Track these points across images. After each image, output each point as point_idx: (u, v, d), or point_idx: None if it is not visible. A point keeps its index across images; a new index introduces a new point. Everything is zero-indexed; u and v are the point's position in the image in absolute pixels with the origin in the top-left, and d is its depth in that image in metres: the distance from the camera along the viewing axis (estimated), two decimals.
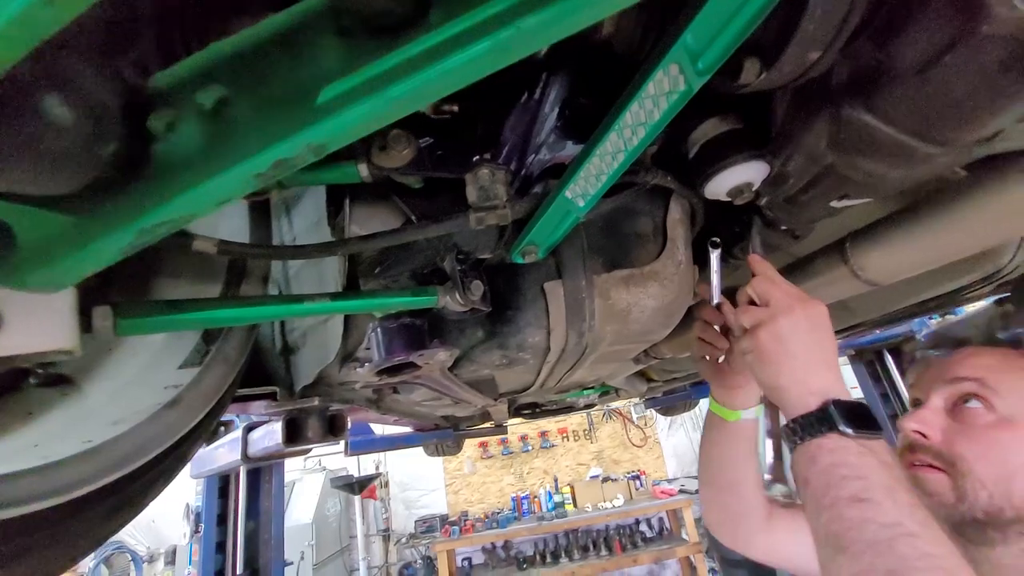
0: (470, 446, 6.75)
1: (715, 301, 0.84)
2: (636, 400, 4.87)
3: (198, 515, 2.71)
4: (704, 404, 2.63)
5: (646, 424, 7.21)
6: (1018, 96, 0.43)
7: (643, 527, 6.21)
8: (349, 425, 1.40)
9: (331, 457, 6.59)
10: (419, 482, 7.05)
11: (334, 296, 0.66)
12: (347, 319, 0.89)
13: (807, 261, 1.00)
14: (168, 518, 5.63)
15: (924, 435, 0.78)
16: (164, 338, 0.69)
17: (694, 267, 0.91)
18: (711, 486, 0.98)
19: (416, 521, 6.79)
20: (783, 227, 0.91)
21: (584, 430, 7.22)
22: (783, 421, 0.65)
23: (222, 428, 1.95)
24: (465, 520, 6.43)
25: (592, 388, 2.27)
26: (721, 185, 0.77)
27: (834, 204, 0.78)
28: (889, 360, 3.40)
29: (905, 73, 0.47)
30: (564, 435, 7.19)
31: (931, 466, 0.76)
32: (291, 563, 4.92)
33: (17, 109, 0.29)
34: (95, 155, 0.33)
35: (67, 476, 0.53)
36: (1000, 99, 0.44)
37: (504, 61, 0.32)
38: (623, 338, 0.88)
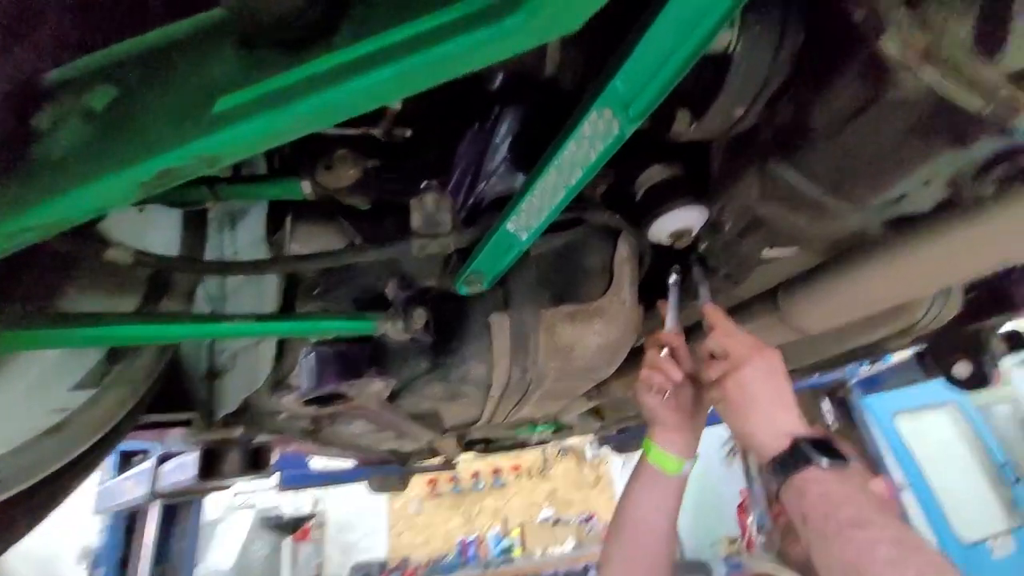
0: (418, 482, 6.44)
1: (671, 326, 0.85)
2: (591, 438, 4.85)
3: (96, 558, 2.39)
4: None
5: (600, 463, 7.16)
6: (922, 160, 0.47)
7: (592, 575, 6.05)
8: (275, 459, 1.29)
9: (263, 493, 6.09)
10: (359, 522, 6.60)
11: (261, 318, 0.62)
12: (282, 342, 0.84)
13: (746, 305, 1.05)
14: (67, 560, 4.96)
15: None
16: (59, 355, 0.62)
17: (639, 307, 0.93)
18: (624, 553, 0.80)
19: (352, 568, 6.30)
20: (722, 273, 0.95)
21: (538, 468, 7.07)
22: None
23: (136, 457, 1.77)
24: (406, 567, 6.05)
25: (544, 424, 2.24)
26: (663, 228, 0.81)
27: (766, 253, 0.82)
28: (825, 403, 3.59)
29: (821, 133, 0.51)
30: (517, 472, 7.01)
31: None
32: None
33: None
34: None
35: None
36: (905, 162, 0.48)
37: (412, 88, 0.32)
38: (567, 375, 0.88)
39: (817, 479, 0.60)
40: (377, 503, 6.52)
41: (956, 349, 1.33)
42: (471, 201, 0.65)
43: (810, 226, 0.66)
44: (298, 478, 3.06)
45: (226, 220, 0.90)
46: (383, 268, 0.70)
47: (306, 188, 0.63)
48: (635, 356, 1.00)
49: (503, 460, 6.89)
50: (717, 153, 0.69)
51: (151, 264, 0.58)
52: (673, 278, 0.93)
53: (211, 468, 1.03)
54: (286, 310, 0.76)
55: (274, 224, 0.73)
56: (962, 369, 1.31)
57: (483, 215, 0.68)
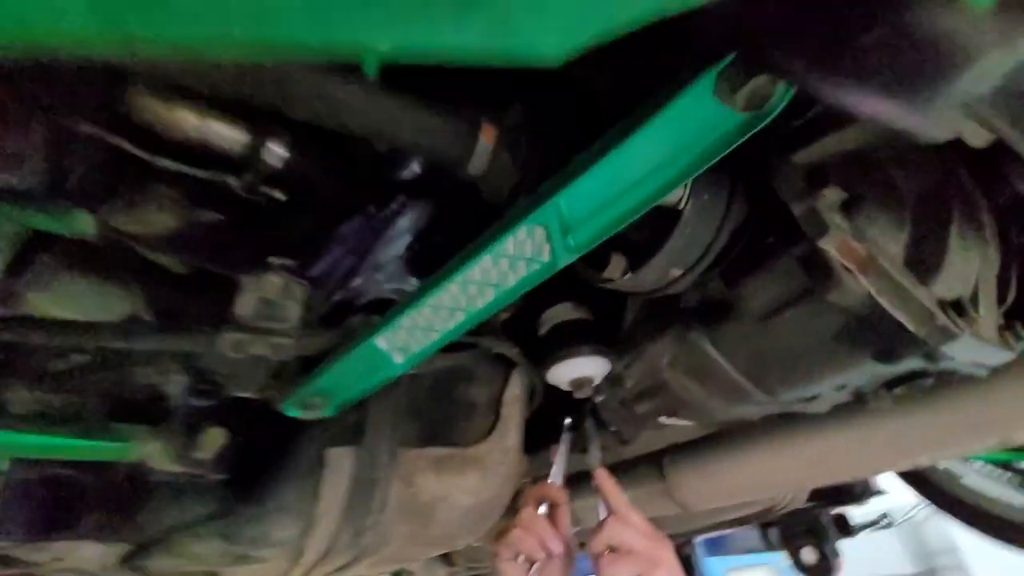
0: None
1: (556, 479, 0.74)
2: None
3: None
4: None
5: None
6: (843, 367, 0.44)
7: None
8: None
9: None
10: None
11: None
12: None
13: (631, 465, 0.97)
14: None
15: None
16: None
17: (524, 458, 0.79)
18: None
19: None
20: (613, 429, 0.87)
21: None
22: None
23: None
24: None
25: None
26: (564, 373, 0.71)
27: (662, 419, 0.76)
28: None
29: (749, 316, 0.47)
30: None
31: None
32: None
33: None
34: None
35: None
36: (827, 365, 0.45)
37: None
38: (418, 542, 0.66)
39: None
40: None
41: (802, 532, 1.37)
42: (339, 298, 0.49)
43: (715, 405, 0.61)
44: None
45: None
46: (174, 363, 0.47)
47: (88, 224, 0.42)
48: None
49: None
50: (634, 306, 0.63)
51: None
52: (566, 426, 0.82)
53: None
54: None
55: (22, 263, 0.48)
56: (809, 555, 1.34)
57: (352, 316, 0.52)
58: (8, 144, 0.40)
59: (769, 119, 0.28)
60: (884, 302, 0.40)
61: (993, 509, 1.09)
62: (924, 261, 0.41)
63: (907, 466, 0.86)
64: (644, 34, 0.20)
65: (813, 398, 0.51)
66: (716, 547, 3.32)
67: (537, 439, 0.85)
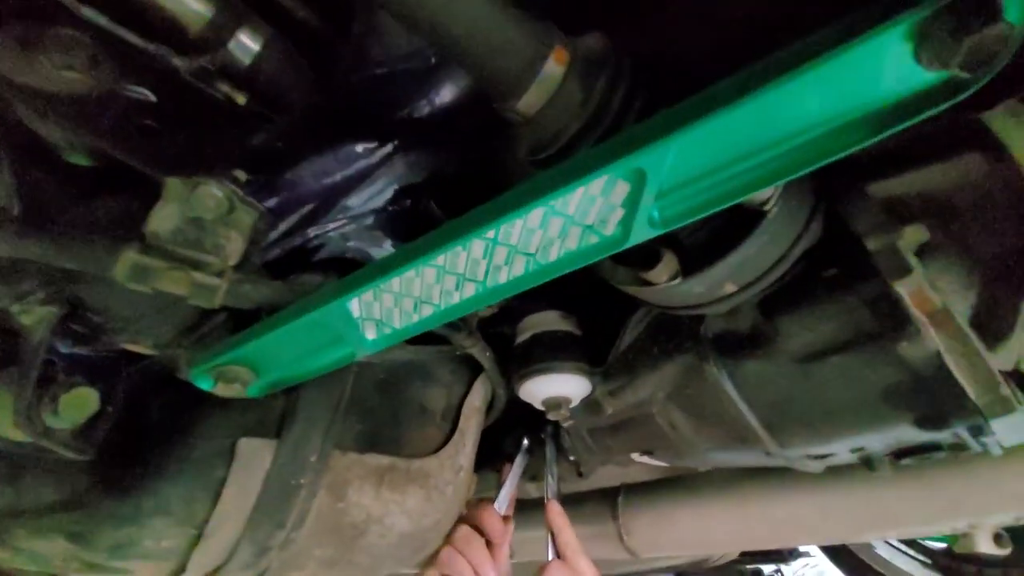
0: None
1: (502, 504, 0.69)
2: None
3: None
4: None
5: None
6: (882, 427, 0.39)
7: None
8: None
9: None
10: None
11: None
12: None
13: (583, 499, 0.89)
14: None
15: None
16: None
17: (474, 478, 0.69)
18: None
19: None
20: (572, 458, 0.79)
21: None
22: None
23: None
24: None
25: None
26: (539, 390, 0.63)
27: (635, 456, 0.69)
28: None
29: (785, 354, 0.40)
30: None
31: None
32: None
33: None
34: None
35: None
36: (865, 424, 0.39)
37: None
38: (334, 570, 0.53)
39: None
40: None
41: None
42: (295, 243, 0.37)
43: (706, 448, 0.54)
44: None
45: None
46: (42, 284, 0.33)
47: None
48: None
49: None
50: (638, 325, 0.56)
51: None
52: (522, 455, 0.74)
53: None
54: None
55: None
56: None
57: (310, 269, 0.40)
58: None
59: (974, 88, 0.21)
60: (950, 362, 0.34)
61: None
62: (991, 326, 0.36)
63: (873, 538, 0.84)
64: None
65: (825, 456, 0.45)
66: None
67: (483, 454, 0.76)
